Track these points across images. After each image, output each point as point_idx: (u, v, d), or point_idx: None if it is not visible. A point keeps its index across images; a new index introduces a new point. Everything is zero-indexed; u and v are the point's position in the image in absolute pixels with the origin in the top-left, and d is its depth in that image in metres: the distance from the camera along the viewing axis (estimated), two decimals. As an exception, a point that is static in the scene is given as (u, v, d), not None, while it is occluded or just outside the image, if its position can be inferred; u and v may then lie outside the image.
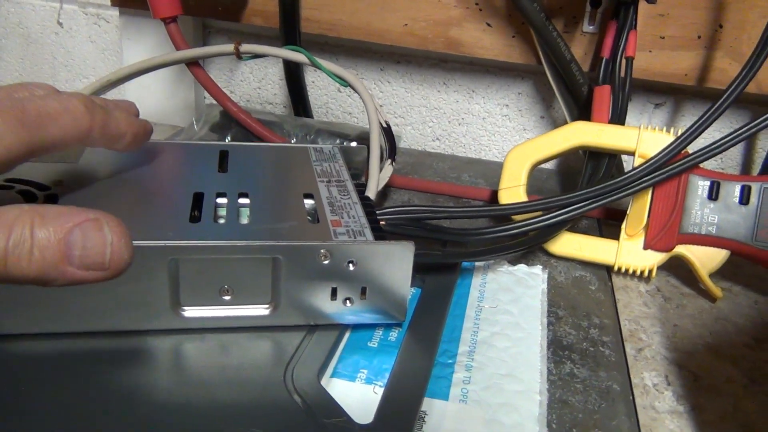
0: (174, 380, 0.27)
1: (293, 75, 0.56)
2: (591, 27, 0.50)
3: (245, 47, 0.47)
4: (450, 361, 0.31)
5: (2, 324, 0.27)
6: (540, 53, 0.50)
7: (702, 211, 0.39)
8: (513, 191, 0.43)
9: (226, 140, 0.50)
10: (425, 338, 0.32)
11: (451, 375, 0.30)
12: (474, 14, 0.51)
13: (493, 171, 0.56)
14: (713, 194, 0.39)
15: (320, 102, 0.62)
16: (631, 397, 0.31)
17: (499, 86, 0.58)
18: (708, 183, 0.39)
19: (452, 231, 0.39)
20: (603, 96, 0.45)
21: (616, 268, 0.41)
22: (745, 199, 0.39)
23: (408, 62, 0.59)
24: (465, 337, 0.33)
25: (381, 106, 0.62)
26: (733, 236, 0.39)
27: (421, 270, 0.35)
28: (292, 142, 0.51)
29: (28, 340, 0.28)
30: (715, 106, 0.39)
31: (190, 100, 0.62)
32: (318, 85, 0.61)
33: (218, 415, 0.25)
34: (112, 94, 0.52)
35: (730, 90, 0.39)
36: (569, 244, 0.41)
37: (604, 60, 0.46)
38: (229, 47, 0.48)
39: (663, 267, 0.41)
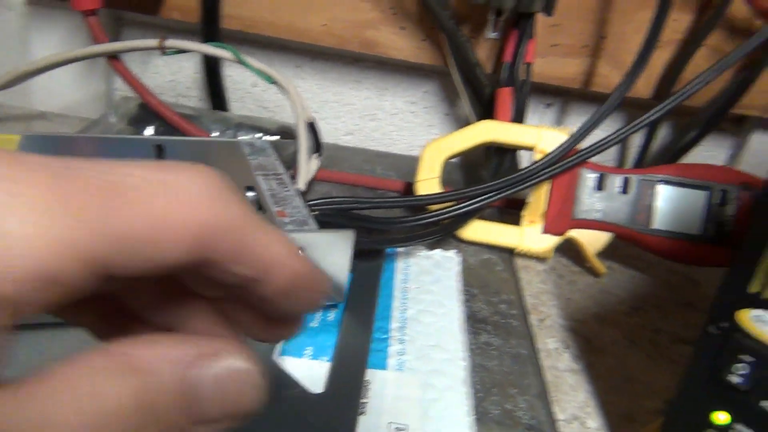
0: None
1: (212, 70, 0.57)
2: (494, 34, 0.55)
3: (170, 42, 0.48)
4: (385, 336, 0.35)
5: None
6: (448, 56, 0.54)
7: (590, 200, 0.46)
8: (429, 183, 0.47)
9: (146, 133, 0.51)
10: (361, 317, 0.35)
11: (387, 348, 0.34)
12: (389, 18, 0.55)
13: (403, 163, 0.60)
14: (600, 185, 0.46)
15: (236, 96, 0.63)
16: (536, 360, 0.36)
17: (408, 85, 0.62)
18: (596, 175, 0.46)
19: (377, 220, 0.43)
20: (505, 97, 0.51)
21: (519, 250, 0.46)
22: (625, 189, 0.45)
23: (323, 60, 0.61)
24: (395, 315, 0.37)
25: (296, 100, 0.64)
26: (615, 221, 0.45)
27: (353, 256, 0.38)
28: (213, 135, 0.53)
29: None
30: (603, 108, 0.45)
31: (102, 92, 0.61)
32: (234, 80, 0.63)
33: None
34: (21, 85, 0.51)
35: (615, 94, 0.45)
36: (478, 231, 0.46)
37: (506, 64, 0.52)
38: (153, 42, 0.48)
39: (556, 249, 0.47)
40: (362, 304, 0.36)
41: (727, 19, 0.53)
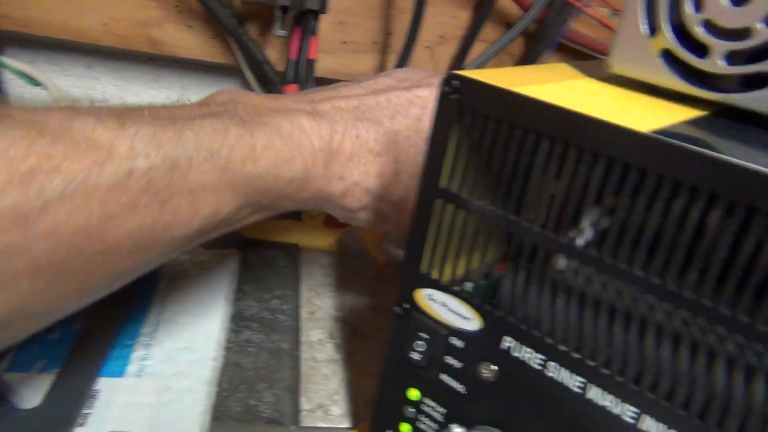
0: None
1: (-15, 72, 0.54)
2: (282, 31, 0.55)
3: None
4: (130, 342, 0.34)
5: None
6: (237, 54, 0.54)
7: (369, 193, 0.47)
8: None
9: None
10: (106, 324, 0.34)
11: (130, 354, 0.33)
12: (174, 16, 0.54)
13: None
14: (377, 178, 0.47)
15: (18, 94, 0.60)
16: (297, 353, 0.37)
17: (210, 84, 0.61)
18: (373, 168, 0.47)
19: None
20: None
21: (302, 246, 0.46)
22: (400, 180, 0.47)
23: (116, 59, 0.59)
24: (151, 317, 0.36)
25: (94, 102, 0.61)
26: (394, 212, 0.47)
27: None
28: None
29: None
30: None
31: None
32: (18, 83, 0.59)
33: None
34: None
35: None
36: (259, 228, 0.46)
37: (291, 61, 0.52)
38: None
39: (342, 241, 0.48)
40: (110, 310, 0.35)
41: (500, 15, 0.56)
